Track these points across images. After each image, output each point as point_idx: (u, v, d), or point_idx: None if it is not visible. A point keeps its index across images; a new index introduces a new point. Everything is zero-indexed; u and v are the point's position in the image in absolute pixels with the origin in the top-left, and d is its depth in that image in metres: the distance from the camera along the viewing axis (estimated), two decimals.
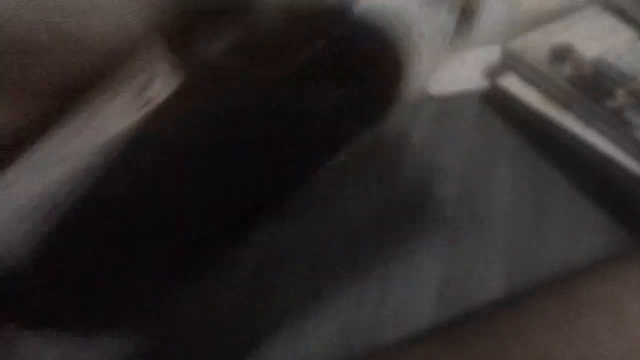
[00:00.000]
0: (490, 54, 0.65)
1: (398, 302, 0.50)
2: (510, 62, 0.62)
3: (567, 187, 0.57)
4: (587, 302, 0.34)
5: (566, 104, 0.58)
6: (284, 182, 0.43)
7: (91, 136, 0.38)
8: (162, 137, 0.37)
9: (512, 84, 0.61)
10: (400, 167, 0.58)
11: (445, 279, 0.52)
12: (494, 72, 0.64)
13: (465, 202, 0.56)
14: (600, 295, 0.34)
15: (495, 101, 0.63)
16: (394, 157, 0.58)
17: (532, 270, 0.52)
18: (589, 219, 0.55)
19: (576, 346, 0.32)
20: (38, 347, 0.40)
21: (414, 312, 0.48)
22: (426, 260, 0.53)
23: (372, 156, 0.50)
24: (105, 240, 0.37)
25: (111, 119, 0.37)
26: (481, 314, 0.37)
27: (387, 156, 0.57)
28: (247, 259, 0.49)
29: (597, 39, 0.62)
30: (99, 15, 0.33)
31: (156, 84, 0.37)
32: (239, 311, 0.48)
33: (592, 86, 0.58)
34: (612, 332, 0.32)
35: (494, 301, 0.39)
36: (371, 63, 0.41)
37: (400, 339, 0.46)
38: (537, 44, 0.61)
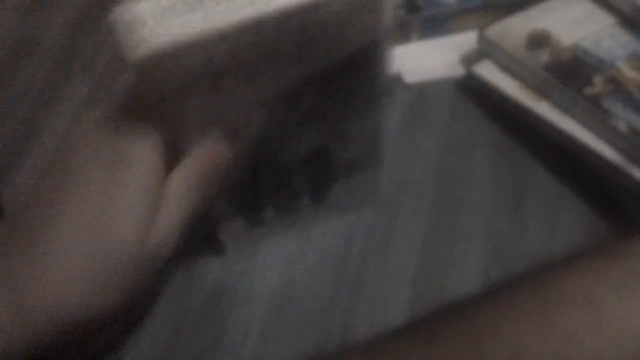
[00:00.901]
0: (466, 41, 0.63)
1: (370, 297, 0.49)
2: (486, 49, 0.60)
3: (545, 177, 0.56)
4: (563, 297, 0.32)
5: (543, 92, 0.56)
6: None
7: None
8: None
9: (489, 71, 0.59)
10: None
11: (419, 271, 0.51)
12: (469, 59, 0.62)
13: (440, 192, 0.55)
14: (577, 289, 0.32)
15: (471, 88, 0.61)
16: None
17: (507, 262, 0.51)
18: (567, 209, 0.54)
19: (551, 342, 0.31)
20: None
21: (385, 307, 0.47)
22: (400, 252, 0.52)
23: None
24: None
25: None
26: (453, 308, 0.35)
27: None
28: None
29: (575, 24, 0.60)
30: None
31: None
32: None
33: (570, 73, 0.56)
34: (588, 328, 0.31)
35: (467, 294, 0.38)
36: None
37: (371, 335, 0.45)
38: (513, 30, 0.60)
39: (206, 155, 0.41)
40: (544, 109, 0.56)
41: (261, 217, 0.48)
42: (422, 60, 0.64)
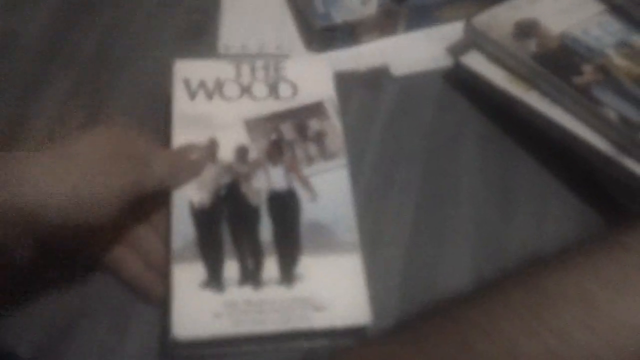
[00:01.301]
0: (453, 31, 0.62)
1: None
2: (473, 39, 0.59)
3: (535, 168, 0.56)
4: (554, 293, 0.32)
5: (532, 82, 0.56)
6: None
7: None
8: None
9: (476, 62, 0.58)
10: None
11: (409, 267, 0.50)
12: (457, 50, 0.61)
13: (428, 186, 0.54)
14: (568, 285, 0.32)
15: (459, 79, 0.60)
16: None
17: (497, 256, 0.50)
18: (557, 201, 0.54)
19: (543, 340, 0.30)
20: None
21: (375, 304, 0.46)
22: (389, 247, 0.51)
23: None
24: None
25: None
26: (443, 308, 0.35)
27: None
28: None
29: (563, 12, 0.59)
30: None
31: None
32: None
33: (559, 62, 0.55)
34: (581, 325, 0.30)
35: (456, 292, 0.37)
36: None
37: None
38: (501, 20, 0.59)
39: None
40: (533, 99, 0.55)
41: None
42: (409, 52, 0.63)
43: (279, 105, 0.53)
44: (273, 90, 0.53)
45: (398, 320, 0.41)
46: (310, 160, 0.50)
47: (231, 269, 0.45)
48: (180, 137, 0.50)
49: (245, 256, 0.45)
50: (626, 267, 0.32)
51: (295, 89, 0.53)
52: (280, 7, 0.66)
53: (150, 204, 0.47)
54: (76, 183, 0.40)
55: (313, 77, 0.55)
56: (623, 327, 0.30)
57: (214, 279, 0.44)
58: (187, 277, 0.44)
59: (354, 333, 0.44)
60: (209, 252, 0.45)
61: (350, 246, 0.46)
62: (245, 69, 0.54)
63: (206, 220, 0.46)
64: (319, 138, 0.51)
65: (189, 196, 0.47)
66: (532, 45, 0.57)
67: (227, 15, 0.64)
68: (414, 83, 0.61)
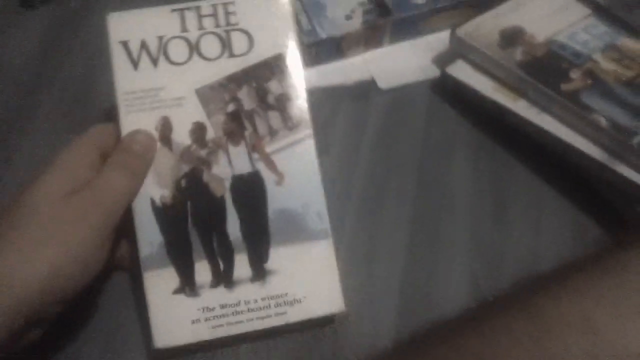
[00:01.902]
0: (438, 41, 0.62)
1: (357, 305, 0.48)
2: (459, 49, 0.59)
3: (527, 177, 0.55)
4: (557, 320, 0.31)
5: (519, 90, 0.55)
6: None
7: None
8: None
9: (463, 72, 0.58)
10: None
11: (405, 279, 0.49)
12: (443, 60, 0.61)
13: (422, 198, 0.54)
14: (573, 312, 0.31)
15: (447, 90, 0.60)
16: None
17: (493, 266, 0.50)
18: (552, 208, 0.53)
19: None
20: None
21: (373, 316, 0.46)
22: (385, 260, 0.51)
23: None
24: None
25: None
26: (443, 334, 0.34)
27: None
28: None
29: (549, 18, 0.59)
30: None
31: None
32: None
33: (546, 70, 0.55)
34: (586, 354, 0.30)
35: (455, 318, 0.36)
36: None
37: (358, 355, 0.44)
38: (486, 28, 0.59)
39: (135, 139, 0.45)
40: (522, 108, 0.55)
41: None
42: (395, 64, 0.63)
43: (234, 66, 0.47)
44: (226, 45, 0.47)
45: (399, 340, 0.40)
46: (273, 133, 0.46)
47: (202, 271, 0.45)
48: (129, 121, 0.45)
49: (216, 256, 0.45)
50: (627, 289, 0.32)
51: (250, 40, 0.48)
52: None
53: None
54: (52, 262, 0.38)
55: (270, 20, 0.48)
56: (628, 356, 0.29)
57: (187, 285, 0.44)
58: (159, 285, 0.44)
59: (328, 320, 0.46)
60: (179, 256, 0.44)
61: (321, 233, 0.45)
62: (191, 18, 0.48)
63: (171, 219, 0.45)
64: (281, 103, 0.47)
65: (148, 193, 0.45)
66: (518, 54, 0.56)
67: None
68: (402, 95, 0.61)
